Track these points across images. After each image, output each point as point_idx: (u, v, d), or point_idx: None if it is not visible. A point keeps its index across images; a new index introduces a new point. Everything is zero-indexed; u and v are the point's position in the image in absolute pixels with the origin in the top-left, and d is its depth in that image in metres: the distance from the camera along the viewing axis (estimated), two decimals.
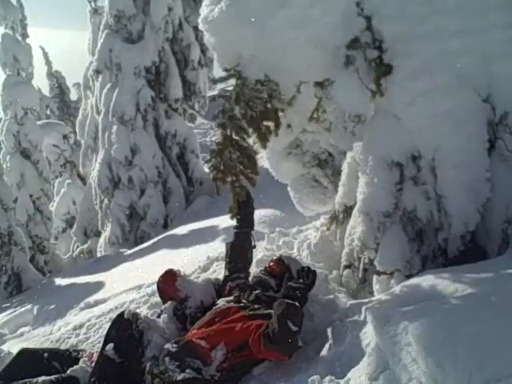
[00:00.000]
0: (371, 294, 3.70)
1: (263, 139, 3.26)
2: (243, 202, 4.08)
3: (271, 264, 4.08)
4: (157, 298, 4.62)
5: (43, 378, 3.66)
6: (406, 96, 3.22)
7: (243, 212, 4.24)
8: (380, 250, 3.54)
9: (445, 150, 3.21)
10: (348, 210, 4.21)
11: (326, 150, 4.63)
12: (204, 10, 3.28)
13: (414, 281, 3.28)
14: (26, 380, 3.64)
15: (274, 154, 4.55)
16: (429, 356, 2.30)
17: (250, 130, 3.23)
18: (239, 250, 4.26)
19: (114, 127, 11.88)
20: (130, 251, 10.02)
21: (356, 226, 3.73)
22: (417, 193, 3.39)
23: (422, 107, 3.19)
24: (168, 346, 3.41)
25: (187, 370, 3.16)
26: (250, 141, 3.31)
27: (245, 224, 4.31)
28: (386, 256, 3.50)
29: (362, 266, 3.80)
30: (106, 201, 12.37)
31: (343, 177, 4.26)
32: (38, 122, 14.77)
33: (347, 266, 3.99)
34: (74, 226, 14.77)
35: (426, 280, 3.15)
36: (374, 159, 3.46)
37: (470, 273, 2.98)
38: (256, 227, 5.13)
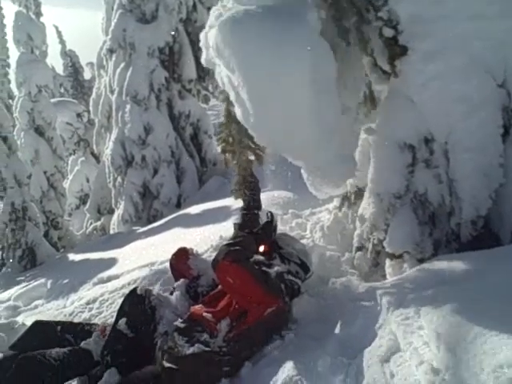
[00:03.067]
0: (383, 277, 3.72)
1: None
2: (249, 183, 4.12)
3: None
4: (169, 276, 4.66)
5: (56, 349, 3.72)
6: (420, 78, 3.21)
7: (249, 193, 4.26)
8: (389, 231, 3.56)
9: (458, 133, 3.20)
10: (360, 192, 4.21)
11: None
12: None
13: (426, 265, 3.31)
14: (39, 351, 3.70)
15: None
16: (440, 340, 2.31)
17: None
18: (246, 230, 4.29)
19: (128, 106, 11.89)
20: (142, 229, 10.07)
21: (367, 207, 3.75)
22: (429, 176, 3.40)
23: (435, 90, 3.18)
24: (177, 322, 3.46)
25: (196, 345, 3.20)
26: None
27: (252, 205, 4.32)
28: (395, 237, 3.52)
29: (371, 248, 3.82)
30: (119, 179, 12.40)
31: (356, 159, 4.26)
32: (52, 100, 14.81)
33: (359, 248, 4.00)
34: (88, 203, 14.82)
35: (439, 264, 3.19)
36: (387, 141, 3.47)
37: (484, 258, 2.99)
38: (269, 209, 5.15)
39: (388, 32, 3.21)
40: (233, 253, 3.31)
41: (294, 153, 3.37)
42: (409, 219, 3.48)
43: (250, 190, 4.24)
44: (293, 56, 2.94)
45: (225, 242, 3.53)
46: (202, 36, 3.56)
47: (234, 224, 4.35)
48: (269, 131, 3.22)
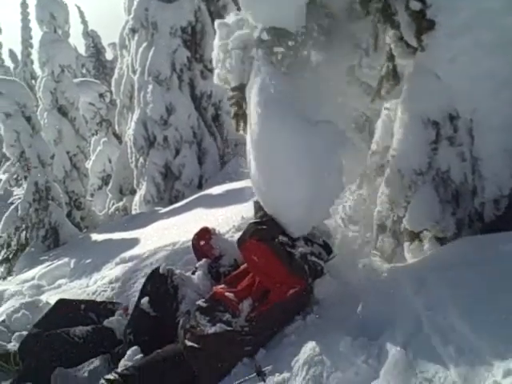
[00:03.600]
0: (405, 257, 3.66)
1: None
2: None
3: None
4: (191, 256, 4.66)
5: (80, 327, 3.77)
6: (447, 53, 3.12)
7: None
8: (410, 208, 3.49)
9: (484, 111, 3.12)
10: (379, 169, 4.15)
11: (363, 113, 4.56)
12: None
13: (449, 246, 3.27)
14: (63, 329, 3.74)
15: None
16: (465, 322, 2.29)
17: None
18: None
19: (150, 86, 11.86)
20: (164, 209, 10.10)
21: (387, 184, 3.69)
22: (452, 153, 3.31)
23: (462, 66, 3.09)
24: (199, 301, 3.46)
25: (218, 324, 3.20)
26: None
27: None
28: (415, 214, 3.45)
29: (391, 225, 3.75)
30: (141, 159, 12.43)
31: (376, 135, 4.18)
32: (75, 80, 14.84)
33: (379, 227, 3.95)
34: (110, 184, 14.89)
35: (463, 245, 3.15)
36: (411, 116, 3.39)
37: (508, 240, 2.93)
38: None
39: (415, 5, 3.12)
40: (259, 232, 3.30)
41: None
42: (430, 197, 3.40)
43: None
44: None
45: (251, 221, 3.51)
46: (213, 54, 3.72)
47: (255, 202, 4.34)
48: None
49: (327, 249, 3.77)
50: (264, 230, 3.31)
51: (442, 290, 2.64)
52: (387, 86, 3.52)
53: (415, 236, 3.55)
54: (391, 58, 3.47)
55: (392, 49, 3.43)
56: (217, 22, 3.71)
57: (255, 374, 2.76)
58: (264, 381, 2.73)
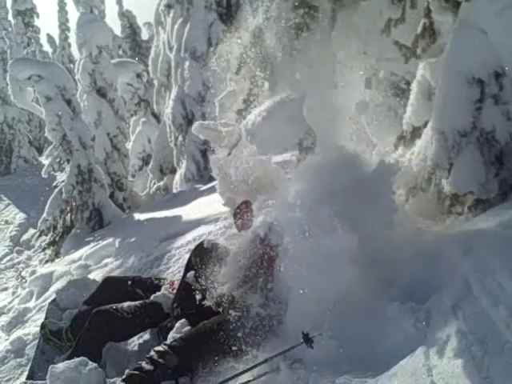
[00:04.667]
0: (447, 221, 3.59)
1: None
2: None
3: None
4: (234, 230, 4.67)
5: (128, 303, 3.81)
6: (492, 6, 3.02)
7: None
8: (453, 170, 3.43)
9: None
10: (416, 131, 4.07)
11: (403, 77, 4.46)
12: None
13: (495, 209, 3.23)
14: (111, 305, 3.79)
15: (348, 84, 4.43)
16: None
17: None
18: None
19: (187, 63, 11.80)
20: (205, 187, 10.12)
21: (428, 146, 3.61)
22: (497, 112, 3.24)
23: (509, 19, 2.99)
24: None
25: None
26: None
27: None
28: (458, 177, 3.40)
29: (433, 188, 3.68)
30: (180, 138, 12.43)
31: (412, 96, 4.08)
32: (112, 61, 14.87)
33: (420, 190, 3.88)
34: (150, 164, 14.95)
35: (508, 208, 3.11)
36: (454, 75, 3.31)
37: None
38: None
39: None
40: None
41: None
42: (474, 158, 3.34)
43: None
44: None
45: None
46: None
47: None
48: None
49: None
50: None
51: (491, 252, 2.60)
52: (423, 43, 3.44)
53: (458, 199, 3.50)
54: (428, 14, 3.38)
55: (429, 3, 3.34)
56: None
57: (302, 340, 2.74)
58: (312, 347, 2.71)
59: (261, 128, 3.59)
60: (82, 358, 3.42)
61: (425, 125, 3.79)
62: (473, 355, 2.13)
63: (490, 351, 2.10)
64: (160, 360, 3.16)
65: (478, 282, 2.48)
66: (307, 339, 2.72)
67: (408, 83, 4.49)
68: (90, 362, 3.39)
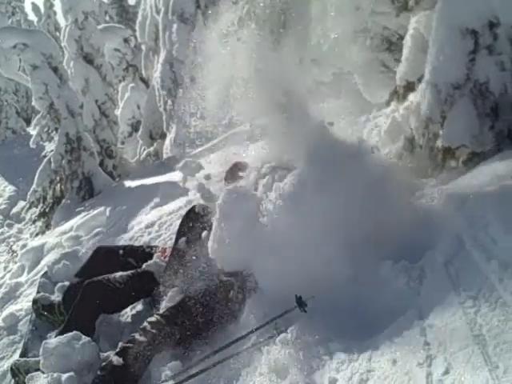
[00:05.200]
0: (442, 175, 3.53)
1: None
2: None
3: None
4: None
5: (120, 273, 3.76)
6: None
7: None
8: (446, 123, 3.37)
9: None
10: (410, 85, 4.00)
11: (396, 32, 4.34)
12: None
13: (490, 161, 3.17)
14: (103, 276, 3.72)
15: (340, 39, 4.32)
16: (509, 235, 2.24)
17: None
18: None
19: (174, 26, 11.58)
20: (195, 151, 10.02)
21: (422, 100, 3.53)
22: (491, 63, 3.17)
23: None
24: None
25: None
26: None
27: None
28: (452, 130, 3.34)
29: (426, 143, 3.62)
30: (169, 102, 12.28)
31: (405, 51, 4.02)
32: (99, 27, 14.59)
33: (414, 145, 3.83)
34: (140, 130, 14.80)
35: (504, 160, 3.05)
36: (447, 26, 3.23)
37: None
38: (324, 118, 4.95)
39: None
40: None
41: None
42: (467, 111, 3.28)
43: None
44: None
45: None
46: None
47: None
48: None
49: None
50: None
51: (484, 205, 2.57)
52: None
53: (451, 153, 3.44)
54: None
55: None
56: None
57: (295, 304, 2.67)
58: (305, 311, 2.65)
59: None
60: (74, 332, 3.40)
61: (419, 79, 3.74)
62: (466, 313, 2.11)
63: (482, 308, 2.08)
64: (153, 330, 3.13)
65: (471, 237, 2.47)
66: (300, 303, 2.66)
67: (401, 37, 4.39)
68: (83, 336, 3.37)
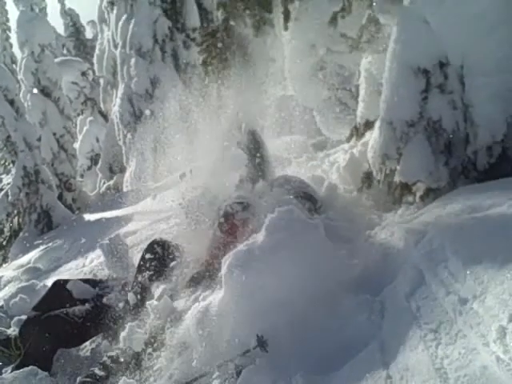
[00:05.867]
0: (400, 211, 3.60)
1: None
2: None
3: None
4: (184, 227, 4.60)
5: (79, 307, 3.73)
6: None
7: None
8: (402, 160, 3.46)
9: (474, 56, 3.08)
10: (369, 124, 4.12)
11: (348, 68, 4.50)
12: None
13: (446, 197, 3.23)
14: (61, 310, 3.69)
15: (297, 78, 4.43)
16: (467, 269, 2.25)
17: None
18: None
19: (133, 60, 11.67)
20: (156, 184, 10.01)
21: (378, 137, 3.63)
22: (443, 102, 3.27)
23: (451, 8, 3.03)
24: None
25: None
26: None
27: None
28: (408, 166, 3.43)
29: (383, 178, 3.70)
30: (129, 136, 12.29)
31: (361, 92, 4.17)
32: (56, 60, 14.56)
33: (372, 182, 3.92)
34: (99, 163, 14.75)
35: (460, 195, 3.10)
36: (400, 66, 3.34)
37: (505, 187, 2.91)
38: (282, 154, 5.05)
39: None
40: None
41: None
42: (422, 147, 3.38)
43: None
44: None
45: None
46: None
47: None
48: None
49: (312, 199, 3.79)
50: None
51: (442, 240, 2.60)
52: (368, 34, 3.48)
53: (408, 188, 3.52)
54: (372, 4, 3.42)
55: None
56: None
57: (256, 344, 2.60)
58: (266, 351, 2.58)
59: None
60: (31, 367, 3.33)
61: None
62: (427, 346, 2.12)
63: (443, 341, 2.10)
64: (113, 365, 3.09)
65: (430, 271, 2.50)
66: (261, 342, 2.60)
67: (353, 74, 4.54)
68: (41, 371, 3.31)
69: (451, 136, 3.29)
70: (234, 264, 2.82)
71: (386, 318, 2.51)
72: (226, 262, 2.86)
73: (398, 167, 3.48)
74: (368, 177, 3.98)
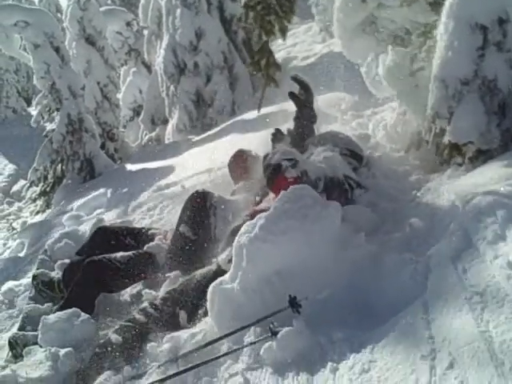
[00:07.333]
0: (447, 173, 3.52)
1: None
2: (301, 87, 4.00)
3: None
4: (228, 180, 4.59)
5: (121, 253, 3.77)
6: None
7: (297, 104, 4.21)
8: (453, 119, 3.35)
9: None
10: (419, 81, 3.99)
11: (403, 26, 4.34)
12: None
13: (498, 159, 3.16)
14: (104, 255, 3.74)
15: (346, 31, 4.30)
16: None
17: None
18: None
19: (178, 11, 11.54)
20: (198, 137, 10.02)
21: (430, 95, 3.53)
22: (500, 60, 3.16)
23: None
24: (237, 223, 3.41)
25: None
26: None
27: (304, 117, 4.19)
28: (459, 126, 3.32)
29: (433, 139, 3.61)
30: (172, 88, 12.25)
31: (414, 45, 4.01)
32: (101, 9, 14.50)
33: (421, 141, 3.84)
34: (142, 114, 14.77)
35: (510, 159, 3.04)
36: (456, 21, 3.20)
37: None
38: (328, 110, 4.94)
39: None
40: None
41: None
42: (475, 107, 3.26)
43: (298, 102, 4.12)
44: None
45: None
46: None
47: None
48: None
49: (357, 157, 3.76)
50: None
51: (492, 203, 2.54)
52: None
53: (458, 149, 3.43)
54: None
55: None
56: None
57: (288, 305, 2.54)
58: (298, 312, 2.53)
59: None
60: (74, 309, 3.40)
61: None
62: (472, 308, 2.09)
63: (489, 304, 2.06)
64: (153, 311, 3.14)
65: (479, 233, 2.44)
66: (293, 303, 2.54)
67: (408, 32, 4.38)
68: (83, 313, 3.38)
69: (506, 97, 3.18)
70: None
71: (431, 279, 2.47)
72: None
73: (449, 127, 3.37)
74: (416, 136, 3.88)
